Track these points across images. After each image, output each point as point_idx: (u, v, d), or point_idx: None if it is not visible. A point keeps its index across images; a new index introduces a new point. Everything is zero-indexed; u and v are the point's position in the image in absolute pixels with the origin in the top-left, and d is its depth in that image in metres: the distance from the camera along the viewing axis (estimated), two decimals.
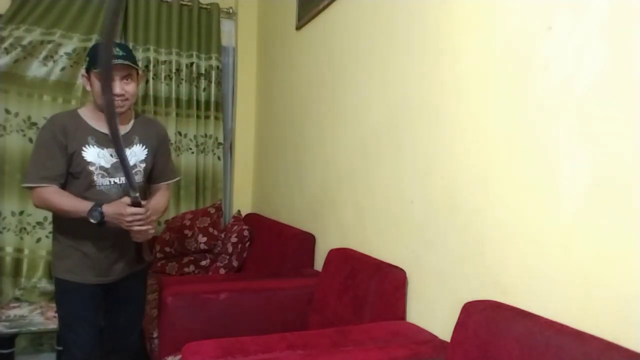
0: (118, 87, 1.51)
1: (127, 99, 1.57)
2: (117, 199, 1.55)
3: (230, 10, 3.34)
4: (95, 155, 1.55)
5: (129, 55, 1.56)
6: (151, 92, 3.02)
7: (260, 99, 3.39)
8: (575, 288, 1.01)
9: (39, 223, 2.78)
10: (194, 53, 3.16)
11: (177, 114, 3.10)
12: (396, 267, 1.61)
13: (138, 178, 1.62)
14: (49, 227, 2.78)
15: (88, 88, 1.58)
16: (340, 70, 2.14)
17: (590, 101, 0.99)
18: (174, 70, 3.09)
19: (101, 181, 1.58)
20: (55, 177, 1.54)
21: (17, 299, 2.04)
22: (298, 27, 2.63)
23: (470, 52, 1.34)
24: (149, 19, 3.02)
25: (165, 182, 1.77)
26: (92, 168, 1.56)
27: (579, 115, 1.02)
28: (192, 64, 3.16)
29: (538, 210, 1.11)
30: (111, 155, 1.57)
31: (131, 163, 1.59)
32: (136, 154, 1.65)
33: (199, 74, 3.19)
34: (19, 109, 2.74)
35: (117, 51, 1.51)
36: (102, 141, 1.58)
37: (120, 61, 1.50)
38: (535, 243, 1.11)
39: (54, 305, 1.96)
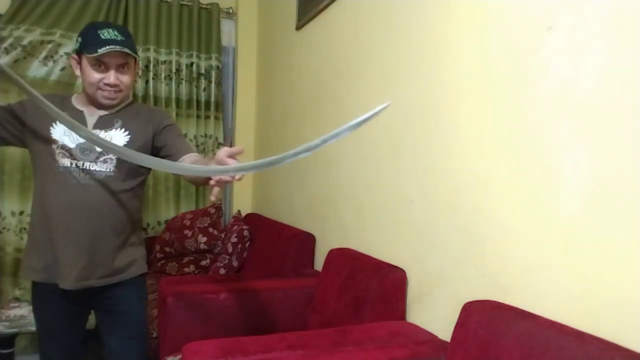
0: (112, 76, 1.35)
1: (120, 90, 1.40)
2: (76, 188, 1.35)
3: (230, 10, 3.34)
4: (61, 133, 1.36)
5: (128, 41, 1.37)
6: (151, 92, 3.02)
7: (260, 99, 3.39)
8: (575, 288, 1.01)
9: None
10: (194, 53, 3.16)
11: (177, 114, 3.10)
12: (396, 267, 1.61)
13: (105, 167, 1.38)
14: None
15: (77, 73, 1.42)
16: (340, 70, 2.14)
17: (591, 101, 0.99)
18: (174, 70, 3.09)
19: (61, 161, 1.36)
20: None
21: (17, 299, 2.04)
22: (298, 27, 2.63)
23: (470, 52, 1.34)
24: (149, 19, 3.02)
25: (194, 153, 1.47)
26: (53, 146, 1.36)
27: (579, 115, 1.02)
28: (192, 64, 3.16)
29: (538, 210, 1.11)
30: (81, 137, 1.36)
31: (99, 149, 1.37)
32: (112, 137, 1.40)
33: (199, 74, 3.18)
34: None
35: (115, 35, 1.34)
36: (74, 117, 1.32)
37: (118, 48, 1.31)
38: (535, 243, 1.11)
39: None
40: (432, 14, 1.51)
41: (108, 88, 1.37)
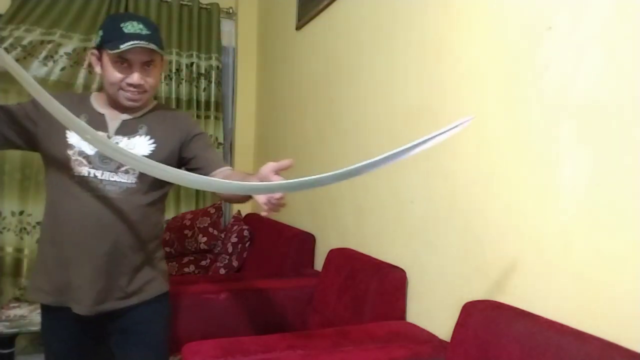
0: (136, 75, 1.19)
1: (145, 91, 1.23)
2: (93, 201, 1.20)
3: (230, 10, 3.34)
4: (79, 138, 1.20)
5: (154, 36, 1.20)
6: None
7: (260, 99, 3.39)
8: (575, 288, 1.01)
9: (39, 223, 2.77)
10: (194, 53, 3.16)
11: None
12: (396, 267, 1.61)
13: (127, 178, 1.23)
14: None
15: (97, 70, 1.24)
16: (340, 70, 2.14)
17: (590, 101, 0.99)
18: (174, 70, 3.09)
19: (78, 170, 1.21)
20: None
21: (17, 299, 2.04)
22: (298, 27, 2.63)
23: (470, 52, 1.34)
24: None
25: (227, 167, 1.31)
26: (69, 152, 1.21)
27: (579, 115, 1.02)
28: (192, 64, 3.16)
29: (538, 210, 1.11)
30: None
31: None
32: (135, 145, 1.25)
33: (199, 74, 3.18)
34: None
35: (139, 28, 1.18)
36: (94, 122, 1.21)
37: (142, 44, 1.16)
38: (535, 243, 1.11)
39: None
40: (433, 14, 1.51)
41: (131, 89, 1.21)
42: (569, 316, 1.00)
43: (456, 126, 0.78)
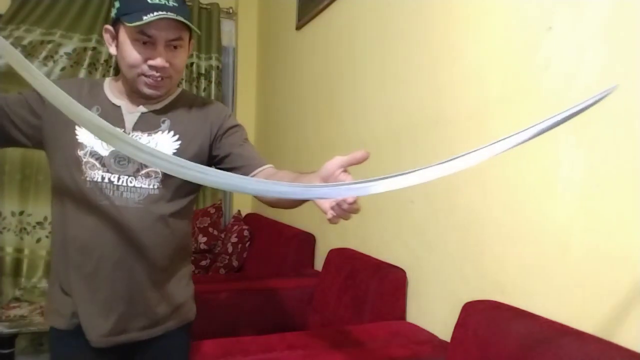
0: (161, 56, 0.97)
1: (169, 77, 1.01)
2: (108, 211, 1.00)
3: (230, 10, 3.34)
4: (90, 136, 1.01)
5: (183, 9, 0.99)
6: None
7: (260, 99, 3.39)
8: (575, 288, 1.01)
9: (39, 223, 2.78)
10: (194, 53, 3.16)
11: None
12: (396, 267, 1.61)
13: (148, 183, 1.03)
14: (49, 227, 2.79)
15: (112, 50, 1.04)
16: (340, 70, 2.14)
17: None
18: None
19: (89, 174, 1.01)
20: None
21: (17, 299, 2.04)
22: (298, 27, 2.63)
23: (470, 51, 1.34)
24: None
25: (269, 165, 1.09)
26: (80, 152, 1.01)
27: (579, 115, 1.02)
28: (192, 64, 3.16)
29: (537, 210, 1.11)
30: None
31: None
32: (157, 143, 1.04)
33: (199, 74, 3.18)
34: None
35: None
36: (108, 116, 1.02)
37: (171, 15, 0.93)
38: (535, 243, 1.11)
39: None
40: (432, 14, 1.51)
41: (154, 73, 0.99)
42: (569, 316, 1.00)
43: (601, 97, 0.67)
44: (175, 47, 1.00)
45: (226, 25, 3.34)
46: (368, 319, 1.55)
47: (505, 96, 1.21)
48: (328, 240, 2.21)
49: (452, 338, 1.18)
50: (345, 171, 0.77)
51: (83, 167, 1.01)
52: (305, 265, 2.30)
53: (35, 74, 0.74)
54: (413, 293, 1.57)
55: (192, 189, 1.12)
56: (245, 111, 3.44)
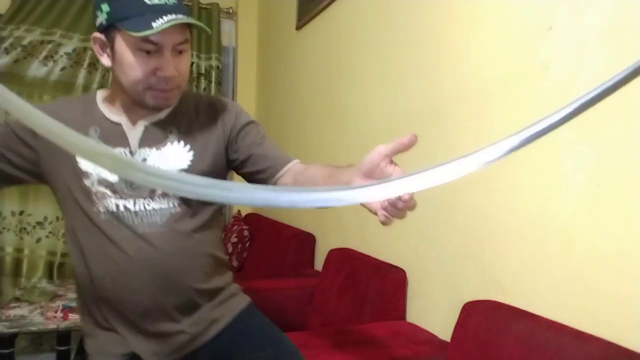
0: (169, 65, 0.86)
1: (177, 87, 0.91)
2: (133, 242, 0.91)
3: (230, 10, 3.34)
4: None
5: (181, 6, 0.88)
6: None
7: (260, 99, 3.39)
8: (575, 288, 1.01)
9: (39, 223, 2.78)
10: (194, 53, 3.16)
11: None
12: (396, 267, 1.61)
13: (167, 202, 0.93)
14: (49, 227, 2.79)
15: (105, 62, 0.90)
16: (340, 70, 2.14)
17: None
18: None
19: (104, 204, 0.91)
20: None
21: (17, 299, 2.03)
22: (298, 27, 2.63)
23: (471, 51, 1.34)
24: None
25: (295, 160, 0.98)
26: (87, 182, 0.91)
27: (579, 115, 1.02)
28: (192, 64, 3.16)
29: (538, 209, 1.11)
30: None
31: None
32: (166, 160, 0.94)
33: (199, 74, 3.18)
34: None
35: None
36: (109, 136, 0.93)
37: (181, 18, 0.83)
38: (535, 243, 1.11)
39: (54, 305, 1.96)
40: (432, 14, 1.51)
41: (163, 84, 0.88)
42: (569, 316, 1.00)
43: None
44: (180, 52, 0.89)
45: (226, 25, 3.34)
46: (368, 319, 1.55)
47: (505, 95, 1.21)
48: (328, 240, 2.21)
49: (452, 338, 1.18)
50: (391, 162, 0.68)
51: (93, 197, 0.91)
52: (305, 265, 2.30)
53: (16, 102, 0.65)
54: (413, 293, 1.57)
55: None
56: (245, 111, 3.44)
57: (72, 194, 0.92)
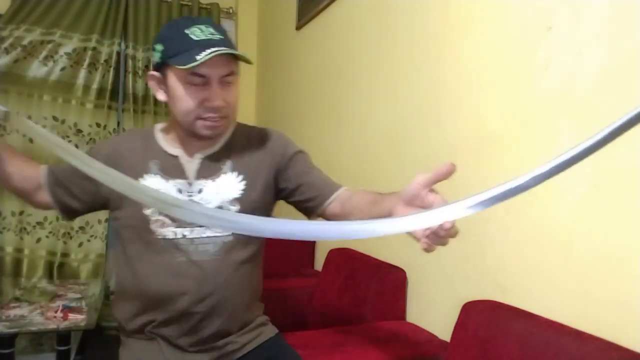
0: (218, 95, 0.92)
1: (225, 116, 0.96)
2: (187, 268, 0.97)
3: (230, 10, 3.34)
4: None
5: (229, 40, 0.94)
6: (151, 92, 3.00)
7: (260, 99, 3.39)
8: (575, 288, 1.01)
9: (39, 223, 2.78)
10: None
11: None
12: (396, 267, 1.61)
13: (217, 231, 0.99)
14: (49, 227, 2.78)
15: (160, 97, 0.98)
16: (340, 70, 2.14)
17: (590, 101, 0.99)
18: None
19: (161, 232, 0.97)
20: (60, 181, 1.02)
21: (17, 299, 2.03)
22: (298, 27, 2.63)
23: (470, 51, 1.34)
24: (149, 19, 3.02)
25: (342, 187, 1.04)
26: (147, 211, 0.97)
27: (579, 115, 1.02)
28: None
29: (538, 210, 1.11)
30: (179, 191, 0.98)
31: (211, 205, 0.98)
32: (221, 190, 0.99)
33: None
34: (18, 109, 2.74)
35: (210, 33, 0.91)
36: (168, 168, 0.99)
37: (224, 50, 0.88)
38: (535, 243, 1.11)
39: (54, 305, 1.96)
40: (433, 14, 1.51)
41: (211, 114, 0.94)
42: (568, 316, 1.00)
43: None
44: (228, 83, 0.95)
45: (226, 25, 3.33)
46: (368, 319, 1.55)
47: (506, 96, 1.21)
48: (328, 240, 2.20)
49: (452, 338, 1.18)
50: (432, 190, 0.71)
51: (152, 226, 0.97)
52: (305, 265, 2.30)
53: (78, 156, 0.70)
54: (413, 293, 1.57)
55: None
56: (245, 111, 3.44)
57: (131, 222, 0.99)
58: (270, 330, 1.13)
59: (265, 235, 0.57)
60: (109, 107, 2.91)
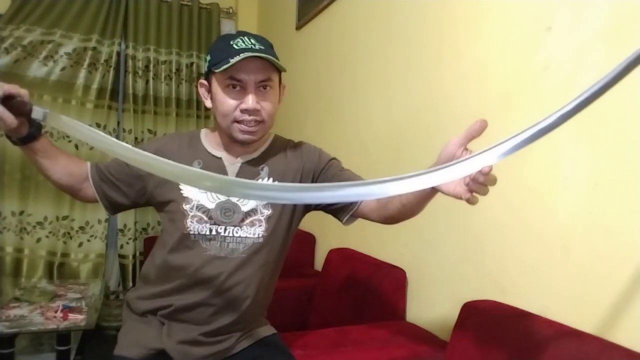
0: (251, 98, 0.99)
1: (262, 121, 1.03)
2: (216, 262, 1.04)
3: (230, 10, 3.34)
4: (195, 189, 1.05)
5: (270, 52, 1.02)
6: (151, 92, 3.02)
7: None
8: (574, 288, 1.01)
9: (39, 223, 2.78)
10: (194, 53, 3.16)
11: (177, 114, 3.10)
12: (396, 267, 1.61)
13: (253, 232, 1.06)
14: (49, 227, 2.79)
15: (208, 104, 1.07)
16: (340, 70, 2.14)
17: None
18: (174, 70, 3.09)
19: (196, 227, 1.05)
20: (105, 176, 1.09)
21: (17, 299, 2.03)
22: (298, 27, 2.63)
23: (470, 51, 1.34)
24: (149, 19, 3.02)
25: None
26: (186, 207, 1.05)
27: (579, 115, 1.02)
28: (192, 64, 3.16)
29: (538, 209, 1.11)
30: None
31: (245, 208, 1.06)
32: None
33: (199, 74, 3.18)
34: None
35: (252, 43, 0.99)
36: (211, 168, 1.06)
37: (256, 53, 0.96)
38: (535, 243, 1.11)
39: (54, 305, 1.96)
40: (432, 14, 1.51)
41: (246, 117, 1.00)
42: (568, 316, 1.00)
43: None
44: (265, 89, 1.01)
45: (226, 25, 3.34)
46: (368, 319, 1.55)
47: (506, 96, 1.21)
48: (328, 240, 2.21)
49: (452, 338, 1.18)
50: (466, 149, 0.74)
51: (189, 220, 1.05)
52: (305, 265, 2.30)
53: (120, 147, 0.74)
54: (413, 293, 1.57)
55: (289, 234, 1.16)
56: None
57: (172, 215, 1.06)
58: (268, 330, 1.19)
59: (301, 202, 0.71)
60: (109, 107, 2.92)
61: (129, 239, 2.93)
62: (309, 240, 2.33)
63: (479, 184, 0.70)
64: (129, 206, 1.14)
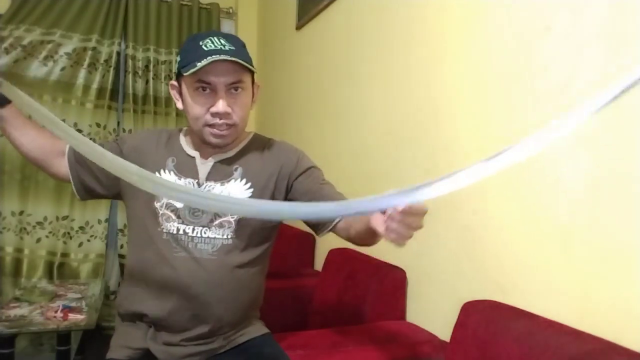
0: (221, 102, 0.97)
1: (233, 125, 1.01)
2: (184, 263, 1.01)
3: (230, 10, 3.34)
4: None
5: (241, 52, 1.00)
6: (151, 92, 3.02)
7: (259, 99, 3.39)
8: (574, 288, 1.01)
9: (39, 223, 2.78)
10: None
11: (177, 114, 3.10)
12: (396, 267, 1.61)
13: (221, 233, 1.03)
14: (49, 227, 2.79)
15: (179, 106, 1.05)
16: (340, 70, 2.14)
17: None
18: (174, 70, 3.08)
19: (165, 226, 1.03)
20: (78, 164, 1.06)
21: (17, 299, 2.03)
22: (298, 27, 2.63)
23: (469, 52, 1.34)
24: (149, 19, 3.02)
25: None
26: (157, 204, 1.03)
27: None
28: None
29: (537, 209, 1.11)
30: None
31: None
32: (230, 193, 1.05)
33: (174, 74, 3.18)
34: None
35: (221, 43, 0.96)
36: (183, 167, 1.06)
37: (224, 57, 0.93)
38: (535, 243, 1.11)
39: (54, 305, 1.96)
40: (432, 14, 1.51)
41: (217, 120, 0.98)
42: (568, 316, 1.00)
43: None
44: (236, 91, 1.00)
45: (226, 25, 3.34)
46: (368, 319, 1.55)
47: (504, 96, 1.21)
48: (328, 240, 2.20)
49: (452, 338, 1.18)
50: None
51: (159, 219, 1.03)
52: (305, 265, 2.30)
53: (89, 145, 0.74)
54: (413, 293, 1.57)
55: (265, 237, 1.11)
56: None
57: (142, 212, 1.05)
58: (259, 330, 1.17)
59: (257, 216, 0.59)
60: (109, 107, 2.92)
61: None
62: (308, 240, 2.33)
63: (396, 223, 0.67)
64: (100, 194, 1.12)
